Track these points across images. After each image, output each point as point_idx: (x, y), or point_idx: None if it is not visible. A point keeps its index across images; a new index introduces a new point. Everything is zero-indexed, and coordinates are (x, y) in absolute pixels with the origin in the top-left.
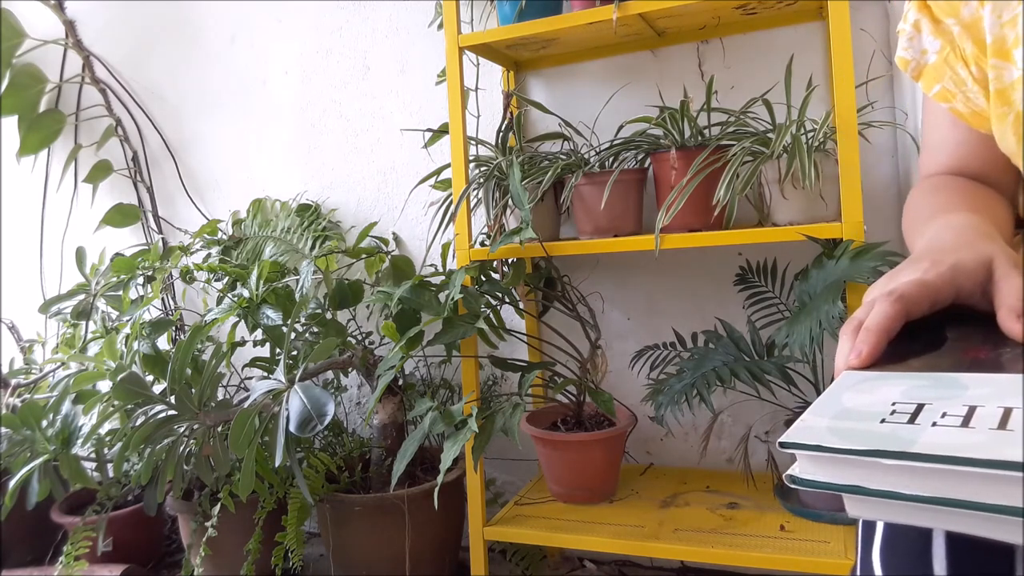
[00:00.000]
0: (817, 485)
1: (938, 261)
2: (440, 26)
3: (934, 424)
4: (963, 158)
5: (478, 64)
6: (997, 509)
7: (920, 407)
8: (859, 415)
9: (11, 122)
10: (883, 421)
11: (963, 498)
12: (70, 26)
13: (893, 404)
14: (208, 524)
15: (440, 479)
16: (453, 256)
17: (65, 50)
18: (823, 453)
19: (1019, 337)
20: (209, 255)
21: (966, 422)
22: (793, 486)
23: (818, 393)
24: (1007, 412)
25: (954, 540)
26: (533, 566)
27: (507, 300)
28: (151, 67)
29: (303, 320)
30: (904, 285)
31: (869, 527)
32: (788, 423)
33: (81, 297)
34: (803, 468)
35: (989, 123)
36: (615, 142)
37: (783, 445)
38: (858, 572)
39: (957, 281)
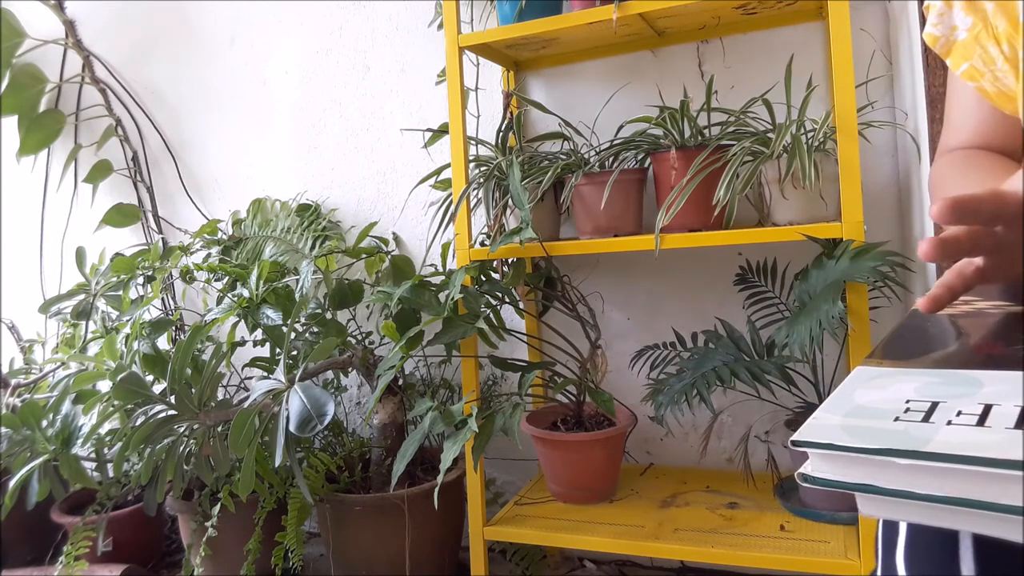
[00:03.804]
0: (830, 484)
1: None
2: (440, 26)
3: (949, 423)
4: (986, 135)
5: (478, 64)
6: (1014, 510)
7: (935, 405)
8: (872, 413)
9: (11, 122)
10: (897, 419)
11: (979, 499)
12: (70, 26)
13: (907, 402)
14: (208, 524)
15: (440, 479)
16: (453, 256)
17: (65, 50)
18: (836, 452)
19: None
20: (209, 255)
21: (982, 421)
22: (806, 484)
23: (818, 393)
24: None
25: (982, 540)
26: (533, 566)
27: (507, 300)
28: (151, 67)
29: (303, 320)
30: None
31: (891, 529)
32: (788, 423)
33: (81, 297)
34: (815, 466)
35: (1014, 103)
36: (615, 142)
37: (795, 443)
38: (879, 574)
39: None
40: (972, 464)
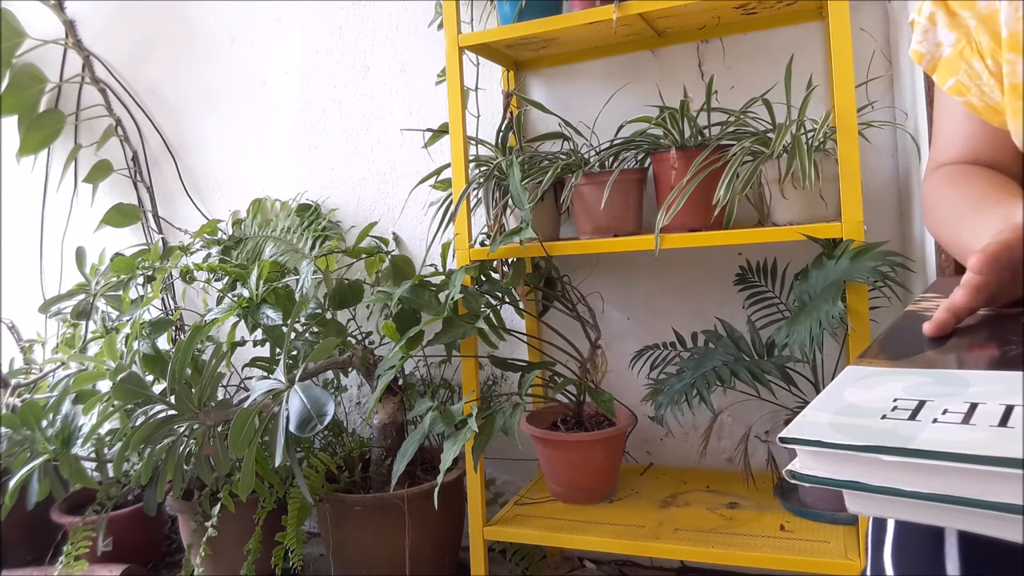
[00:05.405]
0: (817, 481)
1: None
2: (440, 26)
3: (935, 421)
4: (975, 148)
5: (478, 64)
6: (997, 507)
7: (921, 404)
8: (861, 411)
9: (11, 122)
10: (884, 417)
11: (963, 495)
12: (70, 26)
13: (895, 400)
14: (208, 524)
15: (440, 479)
16: (453, 256)
17: (65, 50)
18: (823, 449)
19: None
20: (209, 255)
21: (967, 419)
22: (794, 481)
23: (818, 393)
24: (1008, 409)
25: (967, 539)
26: (533, 566)
27: (507, 300)
28: (151, 67)
29: (303, 320)
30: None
31: (880, 528)
32: (788, 423)
33: (81, 297)
34: (804, 463)
35: (1003, 117)
36: (615, 142)
37: (783, 440)
38: (868, 573)
39: None
40: (955, 461)
